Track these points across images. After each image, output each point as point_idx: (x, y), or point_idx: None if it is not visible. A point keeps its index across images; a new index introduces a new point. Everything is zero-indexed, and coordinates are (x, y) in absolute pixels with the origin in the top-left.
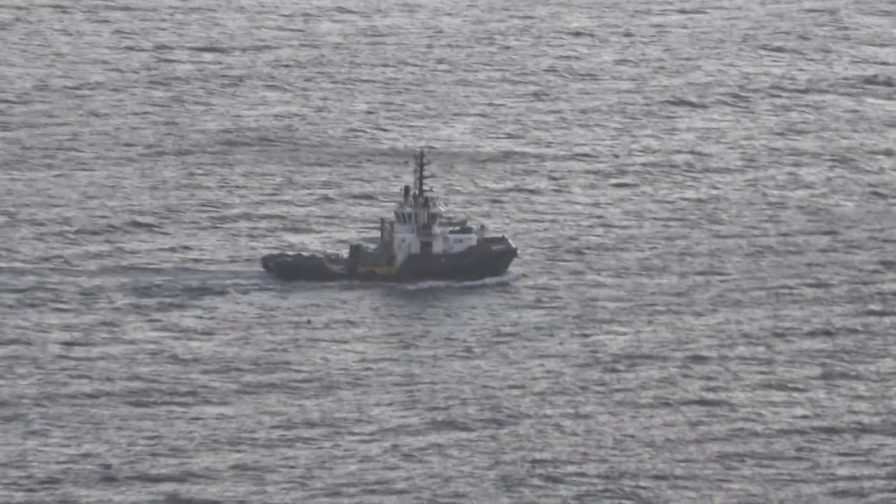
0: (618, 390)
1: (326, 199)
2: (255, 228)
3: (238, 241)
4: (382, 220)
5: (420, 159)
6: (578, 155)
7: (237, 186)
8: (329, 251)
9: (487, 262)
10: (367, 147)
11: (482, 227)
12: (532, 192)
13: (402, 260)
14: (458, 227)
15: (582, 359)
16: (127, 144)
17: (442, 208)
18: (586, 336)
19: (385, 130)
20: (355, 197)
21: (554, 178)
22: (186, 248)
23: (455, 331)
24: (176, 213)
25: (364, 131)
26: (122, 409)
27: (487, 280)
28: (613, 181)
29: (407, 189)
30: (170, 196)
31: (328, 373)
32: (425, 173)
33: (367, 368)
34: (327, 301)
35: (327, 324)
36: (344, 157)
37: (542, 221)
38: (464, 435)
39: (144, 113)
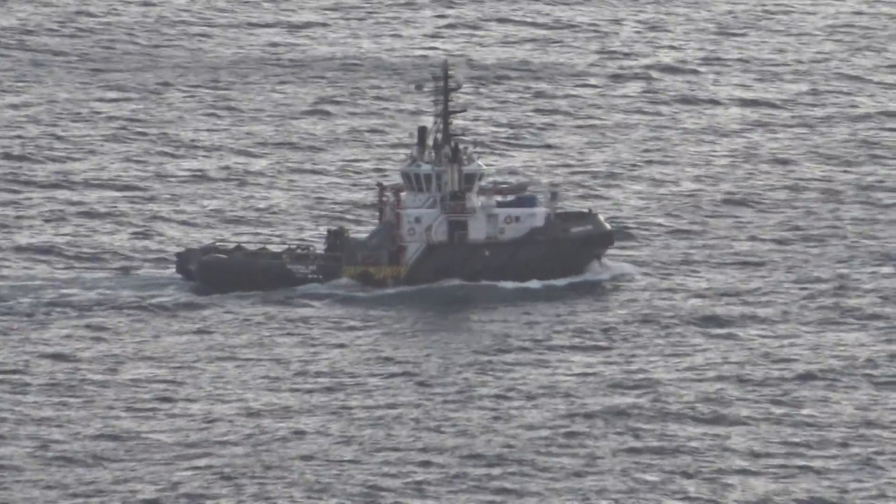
0: None
1: (285, 147)
2: (173, 211)
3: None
4: (381, 188)
5: (443, 79)
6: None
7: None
8: (291, 242)
9: (563, 252)
10: (350, 55)
11: (554, 195)
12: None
13: (415, 253)
14: (512, 196)
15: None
16: None
17: (482, 164)
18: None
19: (382, 29)
20: (332, 146)
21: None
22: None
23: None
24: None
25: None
26: None
27: (565, 280)
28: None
29: (423, 133)
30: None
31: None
32: (453, 104)
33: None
34: (281, 333)
35: (274, 381)
36: (309, 73)
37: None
38: None
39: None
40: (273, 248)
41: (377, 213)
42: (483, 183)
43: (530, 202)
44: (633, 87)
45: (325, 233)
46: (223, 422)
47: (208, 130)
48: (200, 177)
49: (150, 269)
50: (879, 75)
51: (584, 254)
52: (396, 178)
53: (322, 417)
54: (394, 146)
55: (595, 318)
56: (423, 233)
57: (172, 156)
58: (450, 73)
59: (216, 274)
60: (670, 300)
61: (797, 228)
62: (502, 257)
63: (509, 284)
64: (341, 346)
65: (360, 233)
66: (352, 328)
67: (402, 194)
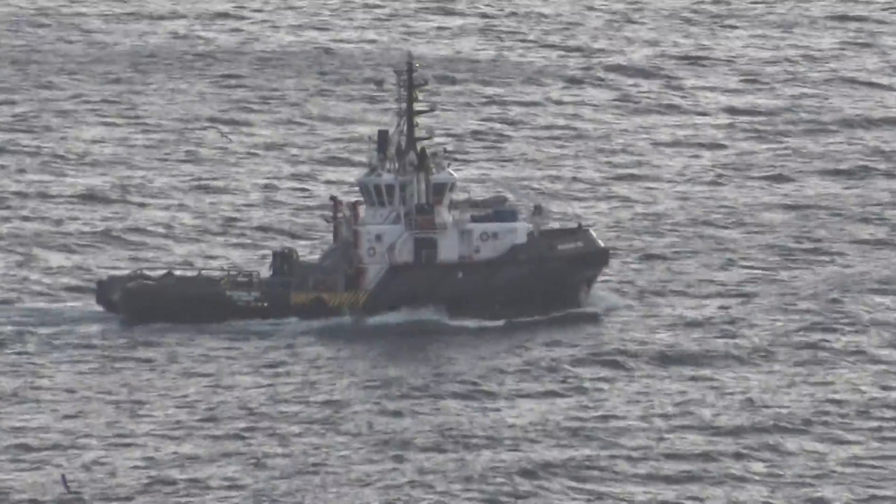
0: None
1: (222, 160)
2: (85, 231)
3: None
4: (335, 202)
5: (406, 74)
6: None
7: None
8: (229, 266)
9: (550, 274)
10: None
11: (538, 209)
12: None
13: (377, 276)
14: (488, 210)
15: None
16: None
17: (453, 173)
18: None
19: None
20: (277, 151)
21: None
22: None
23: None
24: None
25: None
26: None
27: (552, 314)
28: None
29: (384, 137)
30: None
31: None
32: (420, 101)
33: None
34: (209, 371)
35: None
36: (249, 66)
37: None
38: None
39: None
40: (208, 272)
41: (332, 230)
42: (455, 195)
43: (510, 216)
44: (597, 90)
45: (272, 256)
46: (120, 473)
47: (99, 141)
48: (89, 196)
49: (67, 302)
50: (879, 77)
51: (574, 276)
52: (350, 192)
53: (232, 468)
54: (337, 155)
55: (562, 354)
56: (386, 253)
57: (57, 171)
58: (415, 66)
59: (142, 303)
60: (648, 336)
61: (786, 250)
62: (478, 280)
63: (487, 321)
64: (275, 385)
65: (309, 255)
66: (296, 364)
67: (361, 209)
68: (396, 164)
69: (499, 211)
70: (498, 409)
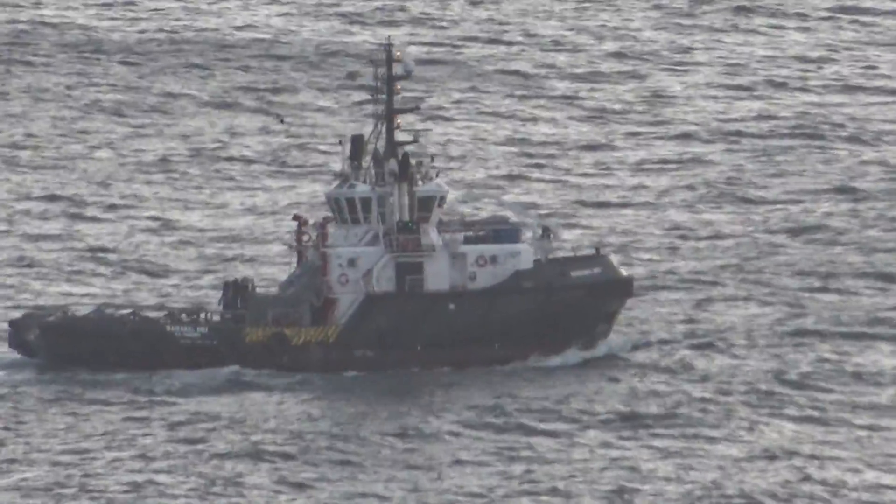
0: None
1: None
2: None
3: None
4: (300, 221)
5: (386, 66)
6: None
7: None
8: (173, 301)
9: (559, 309)
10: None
11: (547, 232)
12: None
13: (350, 308)
14: (485, 229)
15: None
16: None
17: (443, 184)
18: None
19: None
20: (229, 159)
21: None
22: None
23: None
24: None
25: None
26: None
27: (565, 356)
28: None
29: (358, 143)
30: None
31: None
32: (399, 102)
33: None
34: (136, 426)
35: None
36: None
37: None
38: None
39: None
40: (146, 310)
41: (295, 256)
42: (447, 212)
43: (511, 237)
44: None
45: (223, 286)
46: None
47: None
48: None
49: None
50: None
51: (590, 309)
52: (318, 211)
53: None
54: (301, 163)
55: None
56: (361, 280)
57: None
58: (395, 56)
59: (65, 343)
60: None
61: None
62: (474, 313)
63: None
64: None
65: (267, 285)
66: (242, 415)
67: (330, 227)
68: (373, 174)
69: (498, 231)
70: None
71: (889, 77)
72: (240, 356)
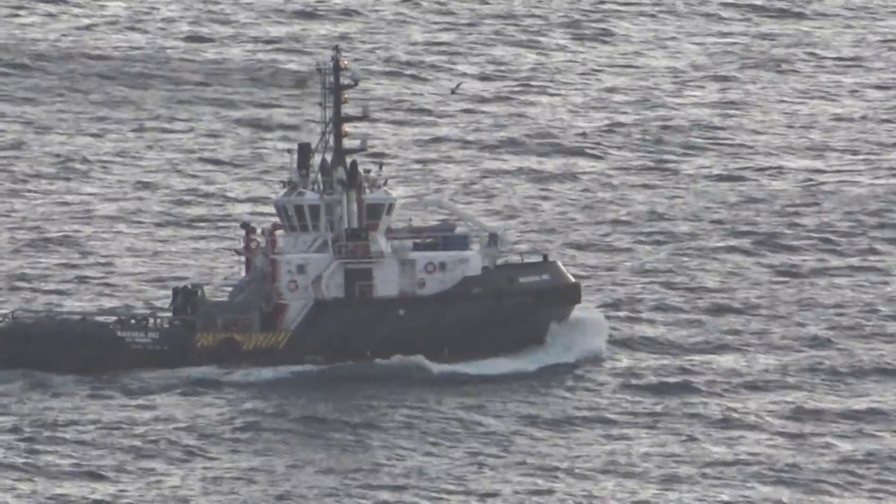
0: None
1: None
2: None
3: None
4: (248, 228)
5: (333, 74)
6: None
7: None
8: (122, 304)
9: (510, 312)
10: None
11: (495, 238)
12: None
13: (299, 314)
14: (434, 235)
15: None
16: None
17: (391, 192)
18: None
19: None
20: (174, 165)
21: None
22: None
23: None
24: None
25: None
26: None
27: (512, 364)
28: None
29: (305, 150)
30: None
31: None
32: (347, 107)
33: None
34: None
35: None
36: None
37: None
38: None
39: None
40: (94, 313)
41: (244, 261)
42: (394, 220)
43: (460, 244)
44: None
45: (172, 293)
46: None
47: None
48: None
49: None
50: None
51: (538, 315)
52: (267, 218)
53: None
54: (248, 169)
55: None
56: (310, 287)
57: None
58: (343, 64)
59: (13, 347)
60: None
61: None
62: (422, 319)
63: (433, 365)
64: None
65: (217, 291)
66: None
67: (279, 235)
68: (321, 182)
69: (447, 237)
70: None
71: None
72: (190, 362)
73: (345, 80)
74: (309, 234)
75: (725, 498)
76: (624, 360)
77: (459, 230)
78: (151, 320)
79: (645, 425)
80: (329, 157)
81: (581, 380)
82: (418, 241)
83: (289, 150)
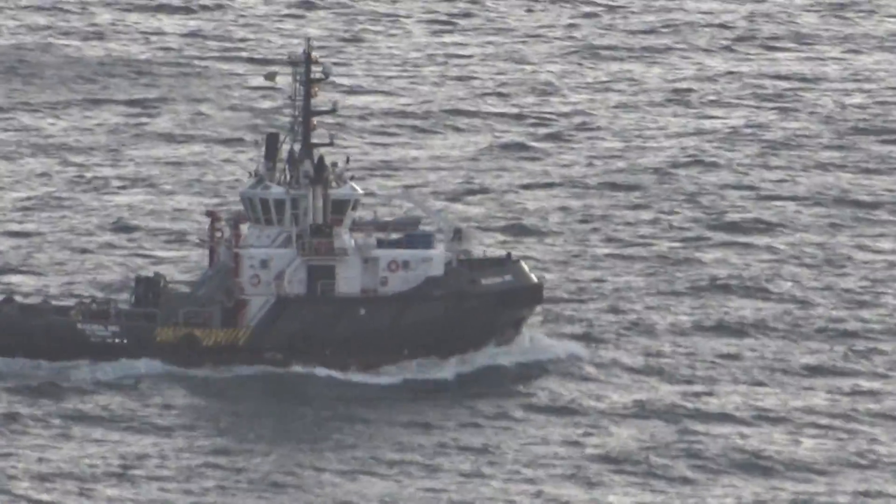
0: None
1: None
2: None
3: None
4: (214, 218)
5: (304, 66)
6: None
7: None
8: (84, 294)
9: (471, 312)
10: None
11: (459, 235)
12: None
13: (261, 310)
14: (400, 233)
15: None
16: None
17: (357, 188)
18: None
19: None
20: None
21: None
22: None
23: None
24: None
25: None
26: None
27: (472, 361)
28: None
29: (273, 141)
30: None
31: None
32: (317, 100)
33: None
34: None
35: None
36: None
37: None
38: None
39: None
40: (54, 301)
41: (207, 255)
42: (358, 214)
43: (425, 242)
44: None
45: (134, 281)
46: None
47: None
48: None
49: None
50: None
51: (499, 315)
52: (231, 208)
53: None
54: (214, 159)
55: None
56: (272, 282)
57: None
58: (314, 57)
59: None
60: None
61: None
62: (384, 318)
63: (392, 367)
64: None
65: (180, 283)
66: (147, 424)
67: (243, 227)
68: (288, 175)
69: (411, 235)
70: None
71: None
72: (150, 355)
73: (316, 74)
74: (273, 227)
75: (718, 492)
76: (602, 356)
77: (424, 226)
78: (111, 309)
79: (617, 421)
80: (297, 149)
81: (532, 377)
82: (382, 237)
83: (256, 141)
